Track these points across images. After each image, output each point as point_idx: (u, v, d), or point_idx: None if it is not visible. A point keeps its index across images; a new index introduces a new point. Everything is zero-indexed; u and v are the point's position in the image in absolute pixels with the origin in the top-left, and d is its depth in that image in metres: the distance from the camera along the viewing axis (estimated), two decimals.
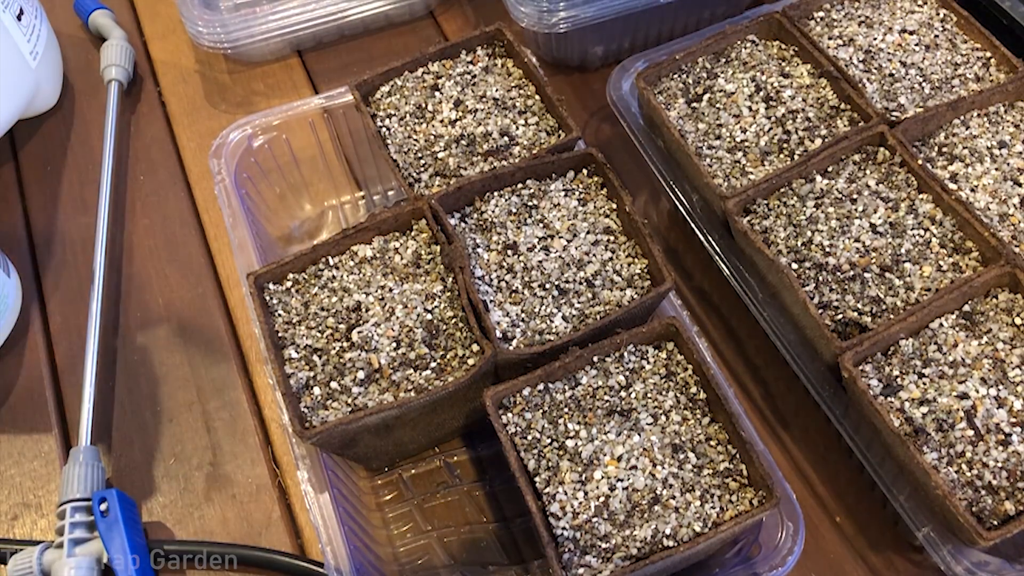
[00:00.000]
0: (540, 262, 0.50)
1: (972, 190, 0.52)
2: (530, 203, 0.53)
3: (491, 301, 0.49)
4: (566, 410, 0.46)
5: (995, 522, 0.42)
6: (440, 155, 0.54)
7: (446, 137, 0.55)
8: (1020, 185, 0.52)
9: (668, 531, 0.42)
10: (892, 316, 0.47)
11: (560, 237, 0.51)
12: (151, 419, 0.58)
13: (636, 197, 0.67)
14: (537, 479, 0.44)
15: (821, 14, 0.61)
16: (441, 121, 0.56)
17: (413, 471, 0.55)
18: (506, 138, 0.55)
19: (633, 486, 0.43)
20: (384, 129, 0.56)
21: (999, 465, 0.43)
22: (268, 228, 0.61)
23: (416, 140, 0.55)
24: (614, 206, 0.52)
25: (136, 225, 0.68)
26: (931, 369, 0.46)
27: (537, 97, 0.57)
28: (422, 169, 0.54)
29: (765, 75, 0.58)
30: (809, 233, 0.51)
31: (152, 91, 0.76)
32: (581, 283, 0.49)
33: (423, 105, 0.57)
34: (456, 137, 0.55)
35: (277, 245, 0.62)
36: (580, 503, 0.43)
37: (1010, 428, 0.44)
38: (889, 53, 0.58)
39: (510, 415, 0.46)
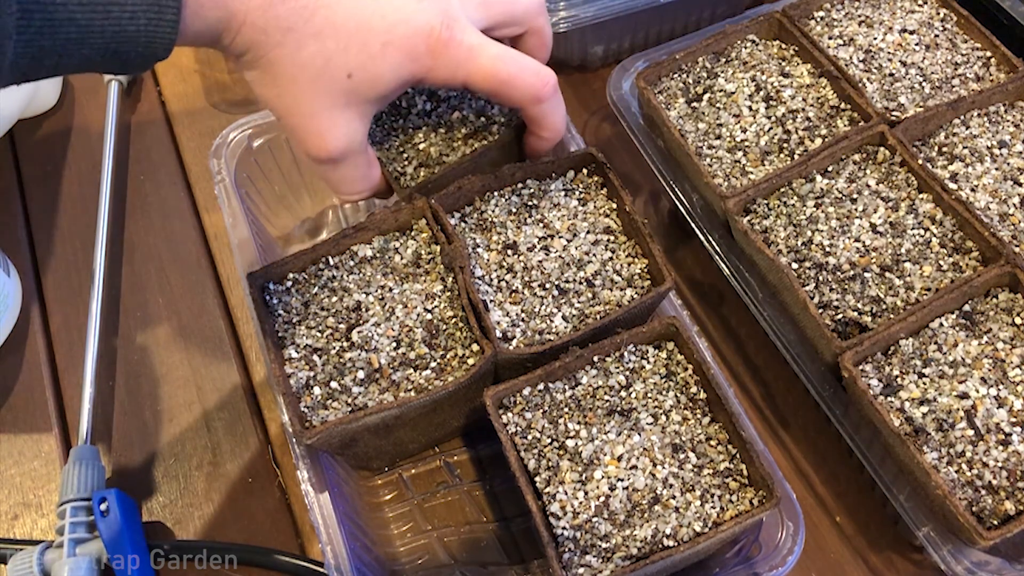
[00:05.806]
0: (540, 262, 0.50)
1: (972, 190, 0.52)
2: (530, 203, 0.53)
3: (491, 301, 0.49)
4: (566, 410, 0.46)
5: (995, 522, 0.42)
6: (421, 146, 0.54)
7: (423, 128, 0.54)
8: (1020, 185, 0.52)
9: (668, 531, 0.42)
10: (892, 316, 0.47)
11: (560, 237, 0.51)
12: (151, 419, 0.58)
13: (636, 197, 0.67)
14: (537, 479, 0.44)
15: (821, 14, 0.61)
16: (417, 113, 0.55)
17: (413, 471, 0.55)
18: (483, 118, 0.54)
19: (633, 486, 0.43)
20: None
21: (999, 465, 0.43)
22: (268, 228, 0.61)
23: (396, 135, 0.54)
24: (614, 206, 0.52)
25: (136, 225, 0.68)
26: (931, 369, 0.46)
27: None
28: (406, 162, 0.54)
29: (765, 75, 0.58)
30: (809, 233, 0.51)
31: (152, 91, 0.76)
32: (581, 283, 0.49)
33: (397, 102, 0.56)
34: (434, 125, 0.54)
35: (277, 245, 0.62)
36: (580, 503, 0.43)
37: (1010, 428, 0.44)
38: (889, 53, 0.58)
39: (510, 415, 0.46)
